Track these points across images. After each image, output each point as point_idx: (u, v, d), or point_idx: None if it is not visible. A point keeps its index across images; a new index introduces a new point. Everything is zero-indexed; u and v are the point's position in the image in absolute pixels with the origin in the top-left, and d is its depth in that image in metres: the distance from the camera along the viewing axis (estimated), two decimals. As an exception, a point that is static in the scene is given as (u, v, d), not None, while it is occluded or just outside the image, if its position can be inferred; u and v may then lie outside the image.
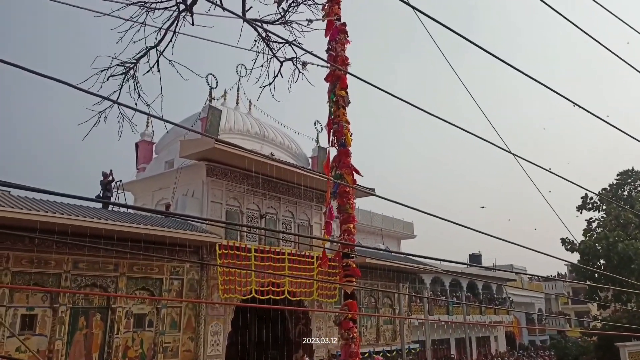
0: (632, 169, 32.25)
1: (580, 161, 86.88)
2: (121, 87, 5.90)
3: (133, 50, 5.94)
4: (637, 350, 17.90)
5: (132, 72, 5.93)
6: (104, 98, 3.80)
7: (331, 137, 9.16)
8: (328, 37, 8.02)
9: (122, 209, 14.92)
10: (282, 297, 16.97)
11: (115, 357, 13.12)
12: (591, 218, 29.60)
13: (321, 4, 8.16)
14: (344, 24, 8.99)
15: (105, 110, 5.78)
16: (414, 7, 4.44)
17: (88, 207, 13.25)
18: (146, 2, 5.62)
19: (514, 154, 6.17)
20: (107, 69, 5.72)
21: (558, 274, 53.83)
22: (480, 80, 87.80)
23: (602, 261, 25.88)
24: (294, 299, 17.56)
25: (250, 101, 20.41)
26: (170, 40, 5.86)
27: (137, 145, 20.07)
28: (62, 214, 11.67)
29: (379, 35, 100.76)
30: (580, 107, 5.79)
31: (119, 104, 4.45)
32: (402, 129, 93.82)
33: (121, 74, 5.91)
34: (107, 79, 5.73)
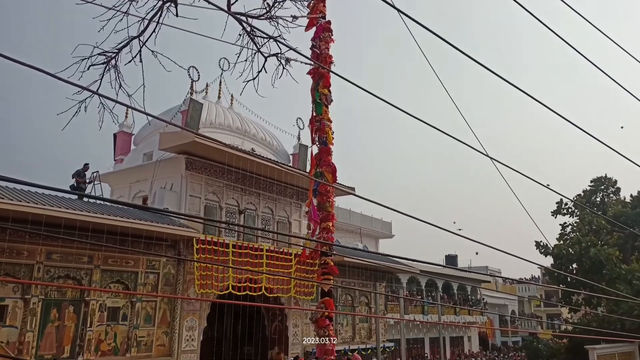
0: (605, 176, 33.00)
1: (556, 166, 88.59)
2: (102, 77, 5.81)
3: (115, 40, 5.86)
4: (606, 353, 18.34)
5: (113, 61, 5.85)
6: (83, 88, 3.74)
7: (313, 135, 9.18)
8: (313, 35, 8.04)
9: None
10: (259, 293, 16.94)
11: (87, 351, 12.93)
12: (565, 223, 30.17)
13: (307, 1, 8.15)
14: (329, 22, 9.00)
15: (85, 100, 5.69)
16: (400, 11, 4.47)
17: (63, 198, 13.02)
18: (130, -9, 5.54)
19: (491, 158, 6.25)
20: (88, 58, 5.62)
21: (532, 276, 54.82)
22: (479, 81, 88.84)
23: (574, 265, 26.40)
24: (271, 295, 17.54)
25: (232, 96, 20.30)
26: (154, 31, 5.79)
27: (115, 136, 19.76)
28: (37, 203, 11.45)
29: (372, 36, 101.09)
30: (560, 115, 5.90)
31: (99, 94, 4.37)
32: (388, 129, 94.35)
33: (102, 64, 5.81)
34: (88, 68, 5.63)
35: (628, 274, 22.94)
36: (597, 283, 20.60)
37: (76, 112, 5.73)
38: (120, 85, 5.87)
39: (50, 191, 12.24)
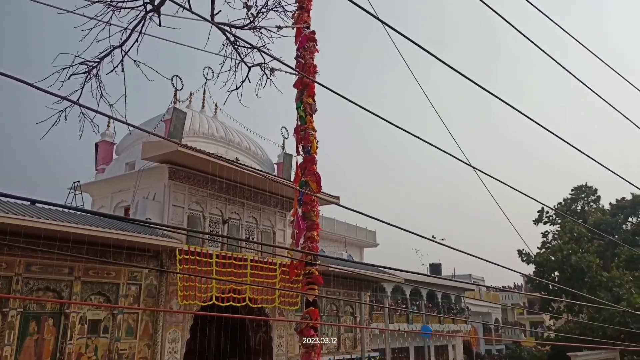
0: (586, 184, 33.50)
1: (537, 175, 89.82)
2: (83, 86, 5.74)
3: (97, 49, 5.81)
4: (588, 360, 18.52)
5: (94, 71, 5.78)
6: (62, 97, 3.68)
7: (298, 144, 9.17)
8: (297, 45, 8.06)
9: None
10: (243, 304, 16.78)
11: (67, 365, 12.66)
12: (547, 231, 30.51)
13: (291, 12, 8.19)
14: (313, 32, 9.04)
15: (65, 109, 5.61)
16: (383, 22, 4.50)
17: (43, 208, 12.78)
18: (112, 1, 5.49)
19: (474, 167, 6.30)
20: (69, 67, 5.55)
21: (515, 284, 55.30)
22: (462, 90, 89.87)
23: (556, 273, 26.68)
24: (255, 306, 17.38)
25: (216, 105, 20.21)
26: (136, 41, 5.75)
27: (97, 145, 19.53)
28: (15, 214, 11.22)
29: (359, 44, 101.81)
30: (543, 127, 5.98)
31: (79, 104, 4.32)
32: (372, 139, 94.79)
33: (83, 73, 5.75)
34: (69, 77, 5.57)
35: (609, 282, 23.25)
36: (579, 290, 20.83)
37: (56, 121, 5.65)
38: (102, 95, 5.81)
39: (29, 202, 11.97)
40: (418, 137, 4.96)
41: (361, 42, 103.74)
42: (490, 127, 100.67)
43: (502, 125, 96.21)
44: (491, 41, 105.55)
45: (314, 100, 9.28)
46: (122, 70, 5.80)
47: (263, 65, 7.04)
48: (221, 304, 15.93)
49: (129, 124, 4.09)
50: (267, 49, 6.52)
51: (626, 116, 7.69)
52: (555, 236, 29.56)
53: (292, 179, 15.89)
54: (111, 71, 5.79)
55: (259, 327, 19.06)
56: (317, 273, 10.33)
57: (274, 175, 19.92)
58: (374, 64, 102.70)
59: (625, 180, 8.01)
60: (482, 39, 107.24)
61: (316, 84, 7.99)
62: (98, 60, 5.78)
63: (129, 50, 5.71)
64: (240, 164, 16.88)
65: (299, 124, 9.57)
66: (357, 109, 4.33)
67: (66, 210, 13.64)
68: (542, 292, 26.14)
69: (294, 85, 8.19)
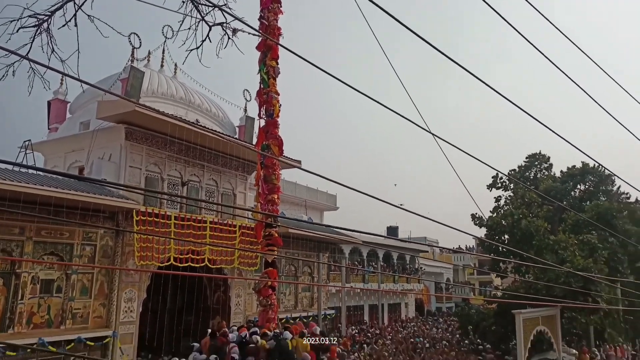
0: (539, 153, 34.64)
1: (494, 142, 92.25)
2: (32, 41, 5.43)
3: (48, 2, 5.48)
4: (531, 317, 19.58)
5: (45, 25, 5.47)
6: (11, 52, 3.48)
7: (260, 107, 9.07)
8: (261, 5, 7.87)
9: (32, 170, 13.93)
10: (202, 264, 16.83)
11: (18, 324, 12.52)
12: (499, 196, 31.52)
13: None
14: (278, -7, 8.82)
15: (13, 64, 5.32)
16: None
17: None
18: (63, -51, 5.16)
19: (433, 134, 6.42)
20: (18, 20, 5.23)
21: (466, 246, 57.48)
22: (422, 55, 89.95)
23: (506, 236, 27.76)
24: (214, 266, 17.47)
25: (175, 65, 19.61)
26: (91, -7, 5.45)
27: (49, 103, 18.70)
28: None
29: (328, 10, 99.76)
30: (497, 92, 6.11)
31: (29, 59, 4.08)
32: (334, 102, 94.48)
33: (33, 27, 5.42)
34: (17, 31, 5.25)
35: (555, 245, 24.41)
36: (527, 252, 21.81)
37: (3, 76, 5.36)
38: (53, 50, 5.52)
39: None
40: (380, 103, 4.99)
41: (331, 7, 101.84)
42: (457, 101, 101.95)
43: (468, 100, 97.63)
44: (454, 15, 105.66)
45: (277, 63, 9.15)
46: (75, 25, 5.51)
47: (225, 24, 6.82)
48: (179, 265, 15.93)
49: (82, 81, 3.91)
50: (229, 8, 6.32)
51: (616, 118, 7.94)
52: (508, 201, 30.59)
53: (254, 142, 15.78)
54: (63, 26, 5.49)
55: (217, 287, 19.21)
56: (276, 235, 10.44)
57: (235, 138, 19.70)
58: (342, 30, 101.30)
59: (575, 147, 8.33)
60: (444, 12, 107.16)
61: (280, 47, 7.86)
62: (49, 13, 5.46)
63: (82, 4, 5.41)
64: (200, 125, 16.56)
65: (262, 86, 9.45)
66: (322, 74, 4.31)
67: (17, 169, 13.14)
68: (492, 254, 27.20)
69: (257, 47, 8.04)
